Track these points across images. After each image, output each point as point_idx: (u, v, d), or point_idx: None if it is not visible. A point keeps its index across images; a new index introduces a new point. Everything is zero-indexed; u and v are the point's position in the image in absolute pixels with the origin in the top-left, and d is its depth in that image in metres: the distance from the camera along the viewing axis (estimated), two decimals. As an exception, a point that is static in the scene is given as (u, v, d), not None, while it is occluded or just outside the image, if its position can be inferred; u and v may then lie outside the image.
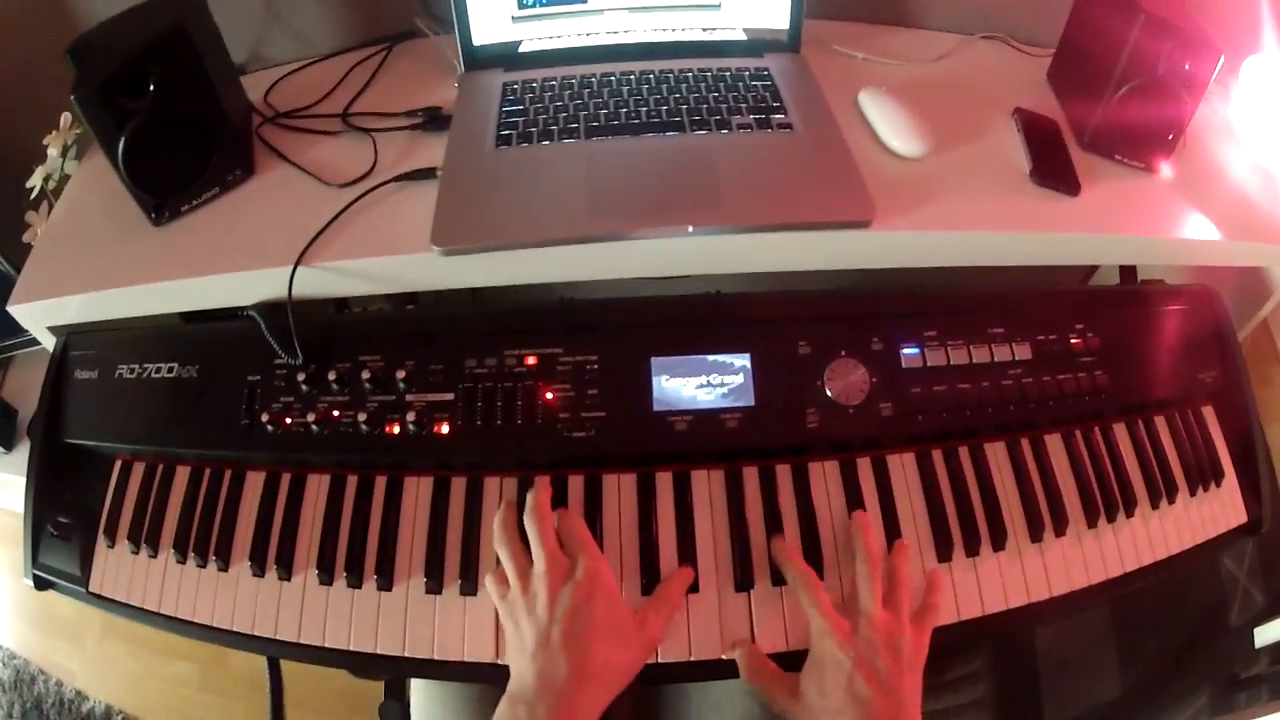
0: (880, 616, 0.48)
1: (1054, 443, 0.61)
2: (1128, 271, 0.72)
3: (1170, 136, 0.67)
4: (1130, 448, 0.63)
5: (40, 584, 0.64)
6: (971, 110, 0.67)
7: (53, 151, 0.77)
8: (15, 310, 0.66)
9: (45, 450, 0.65)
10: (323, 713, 1.06)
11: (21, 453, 0.99)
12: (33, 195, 0.78)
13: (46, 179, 0.78)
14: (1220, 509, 0.63)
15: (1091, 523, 0.59)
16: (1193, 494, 0.62)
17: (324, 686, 1.06)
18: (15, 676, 1.12)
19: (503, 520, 0.51)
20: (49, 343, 0.70)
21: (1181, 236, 0.64)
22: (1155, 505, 0.61)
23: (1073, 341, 0.62)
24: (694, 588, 0.52)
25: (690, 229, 0.54)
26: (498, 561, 0.51)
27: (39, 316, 0.67)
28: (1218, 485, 0.64)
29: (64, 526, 0.64)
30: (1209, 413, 0.66)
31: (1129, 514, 0.60)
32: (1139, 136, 0.66)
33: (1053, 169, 0.65)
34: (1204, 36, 0.63)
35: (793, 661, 0.50)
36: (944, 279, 0.65)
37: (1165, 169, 0.67)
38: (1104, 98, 0.65)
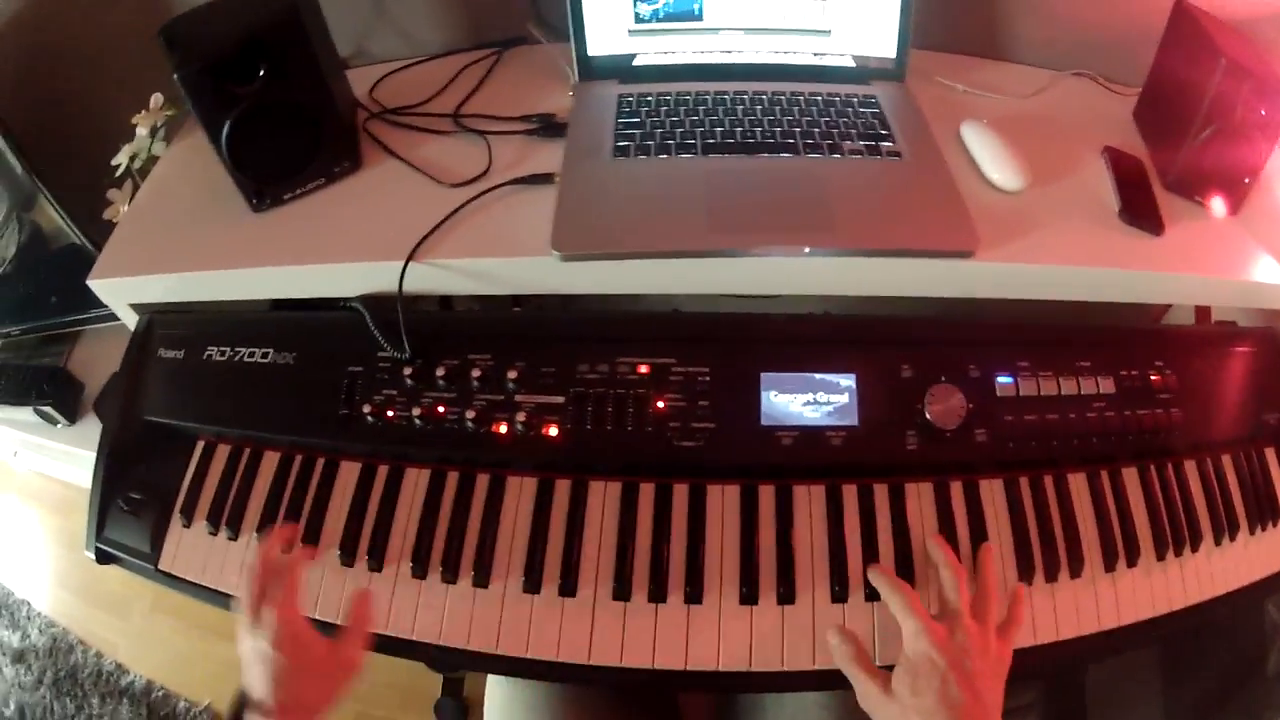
0: (970, 623, 0.49)
1: (1130, 476, 0.62)
2: (1202, 311, 0.73)
3: (1246, 180, 0.68)
4: (1199, 485, 0.64)
5: (104, 558, 0.63)
6: (1063, 146, 0.68)
7: (142, 131, 0.77)
8: (97, 285, 0.66)
9: (121, 425, 0.64)
10: (374, 704, 1.05)
11: (84, 426, 0.99)
12: (118, 173, 0.78)
13: (133, 158, 0.78)
14: (1276, 548, 0.64)
15: (1160, 555, 0.60)
16: (1252, 533, 0.64)
17: (375, 680, 1.05)
18: (52, 644, 1.10)
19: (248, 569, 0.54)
20: (129, 320, 0.69)
21: (1255, 279, 0.65)
22: (1218, 542, 0.62)
23: (1152, 378, 0.62)
24: (789, 599, 0.53)
25: (807, 249, 0.55)
26: None
27: (122, 293, 0.67)
28: (1274, 525, 0.65)
29: (135, 502, 0.64)
30: (1270, 454, 0.67)
31: (1195, 549, 0.61)
32: (1218, 179, 0.67)
33: (1140, 208, 0.66)
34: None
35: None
36: (1024, 310, 0.66)
37: (1237, 211, 0.68)
38: (1186, 140, 0.66)
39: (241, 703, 0.49)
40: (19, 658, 1.10)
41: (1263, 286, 0.66)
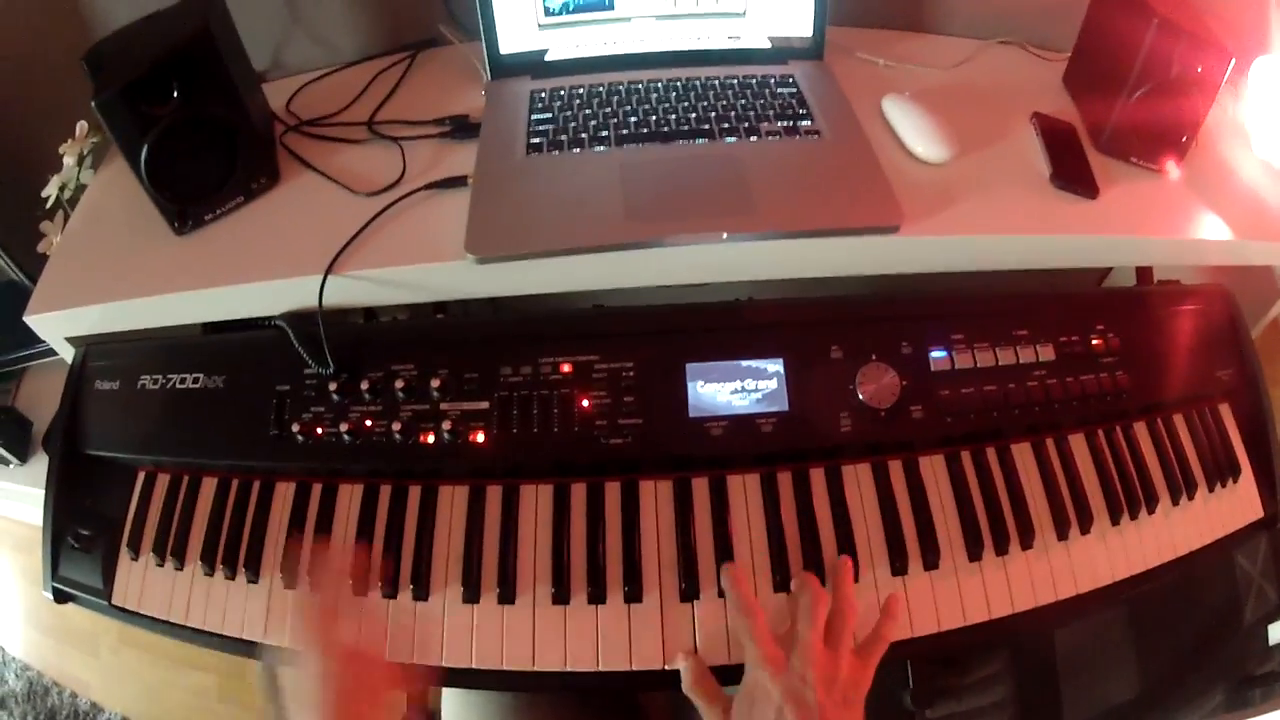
0: (816, 649, 0.46)
1: (1078, 442, 0.61)
2: (1144, 272, 0.72)
3: (1183, 138, 0.66)
4: (1151, 446, 0.63)
5: (60, 597, 0.62)
6: (991, 115, 0.67)
7: (69, 160, 0.76)
8: (32, 321, 0.64)
9: (65, 462, 0.63)
10: None
11: (36, 464, 0.97)
12: (48, 205, 0.76)
13: (62, 188, 0.76)
14: (1237, 505, 0.63)
15: (1115, 520, 0.58)
16: (1210, 490, 0.62)
17: None
18: (29, 688, 1.09)
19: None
20: (67, 354, 0.68)
21: (1195, 237, 0.64)
22: (1175, 502, 0.61)
23: (1094, 342, 0.61)
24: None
25: (725, 235, 0.53)
26: None
27: (57, 327, 0.65)
28: (1235, 482, 0.64)
29: (85, 539, 0.62)
30: (1225, 410, 0.66)
31: (1150, 510, 0.60)
32: (1153, 138, 0.66)
33: (1072, 172, 0.64)
34: (1215, 39, 0.62)
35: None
36: (959, 282, 0.65)
37: (1177, 170, 0.67)
38: (1119, 100, 0.65)
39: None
40: (0, 705, 1.08)
41: (1202, 243, 0.65)
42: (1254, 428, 0.65)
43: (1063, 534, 0.57)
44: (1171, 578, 0.59)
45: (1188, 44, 0.62)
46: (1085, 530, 0.57)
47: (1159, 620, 0.81)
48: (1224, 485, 0.63)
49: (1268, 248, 0.65)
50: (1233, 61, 0.62)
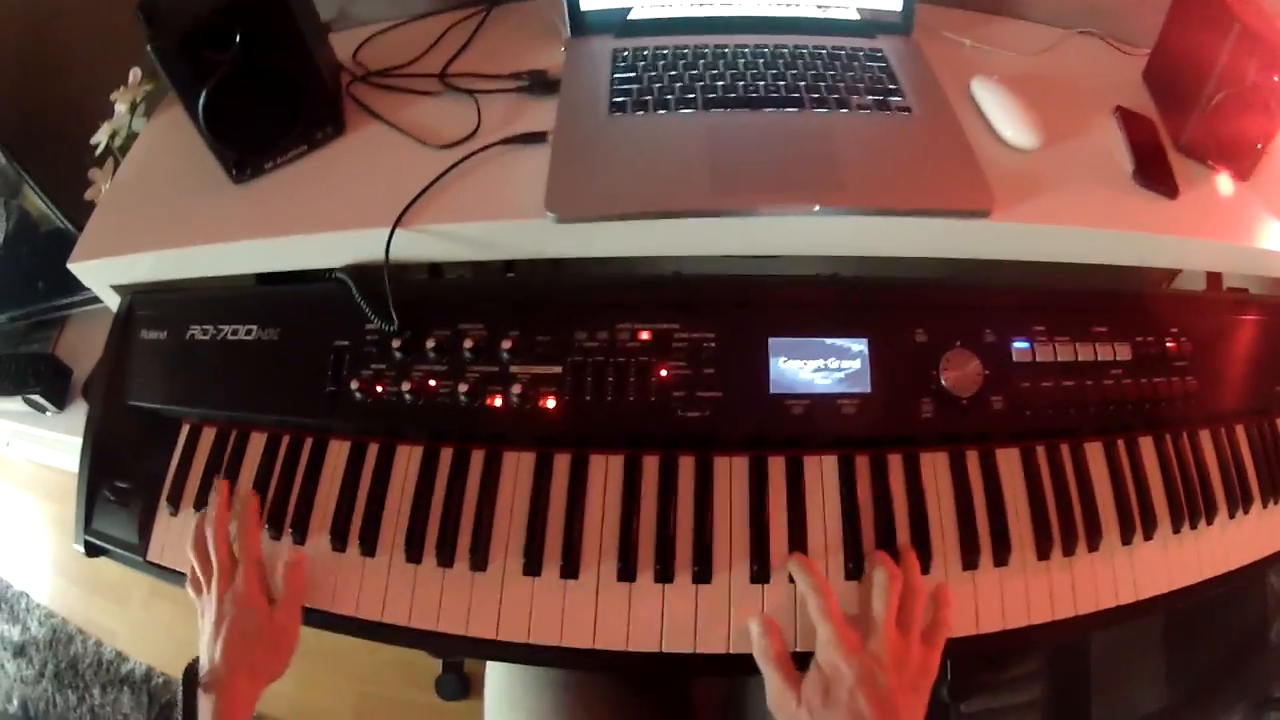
0: (891, 631, 0.45)
1: (1146, 446, 0.58)
2: (1213, 278, 0.69)
3: (1259, 145, 0.64)
4: (1214, 455, 0.60)
5: (92, 550, 0.59)
6: (1073, 105, 0.64)
7: (121, 107, 0.72)
8: (76, 268, 0.62)
9: (106, 411, 0.60)
10: (375, 683, 1.01)
11: (74, 412, 0.94)
12: (97, 152, 0.73)
13: (113, 136, 0.73)
14: None
15: (1177, 528, 0.56)
16: (1265, 506, 0.60)
17: (377, 659, 1.02)
18: (51, 635, 1.07)
19: (195, 529, 0.54)
20: (112, 302, 0.65)
21: (1268, 246, 0.61)
22: (1232, 515, 0.59)
23: (1168, 345, 0.59)
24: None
25: (816, 208, 0.50)
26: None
27: (103, 274, 0.62)
28: None
29: (122, 491, 0.60)
30: (1282, 425, 0.64)
31: (1209, 521, 0.57)
32: (1230, 144, 0.63)
33: (1154, 171, 0.62)
34: None
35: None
36: (1031, 273, 0.62)
37: (1251, 176, 0.64)
38: (1198, 104, 0.62)
39: (192, 674, 0.49)
40: (20, 652, 1.07)
41: (1275, 254, 0.62)
42: (1307, 445, 0.63)
43: (1127, 539, 0.55)
44: (1217, 591, 0.57)
45: (1266, 52, 0.59)
46: (1149, 536, 0.55)
47: (1192, 633, 0.79)
48: (1276, 501, 0.61)
49: (1338, 261, 0.63)
50: (1311, 73, 0.59)
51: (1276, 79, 0.60)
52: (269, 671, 0.50)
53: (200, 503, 0.56)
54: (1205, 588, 0.56)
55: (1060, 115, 0.62)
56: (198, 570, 0.52)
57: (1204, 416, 0.60)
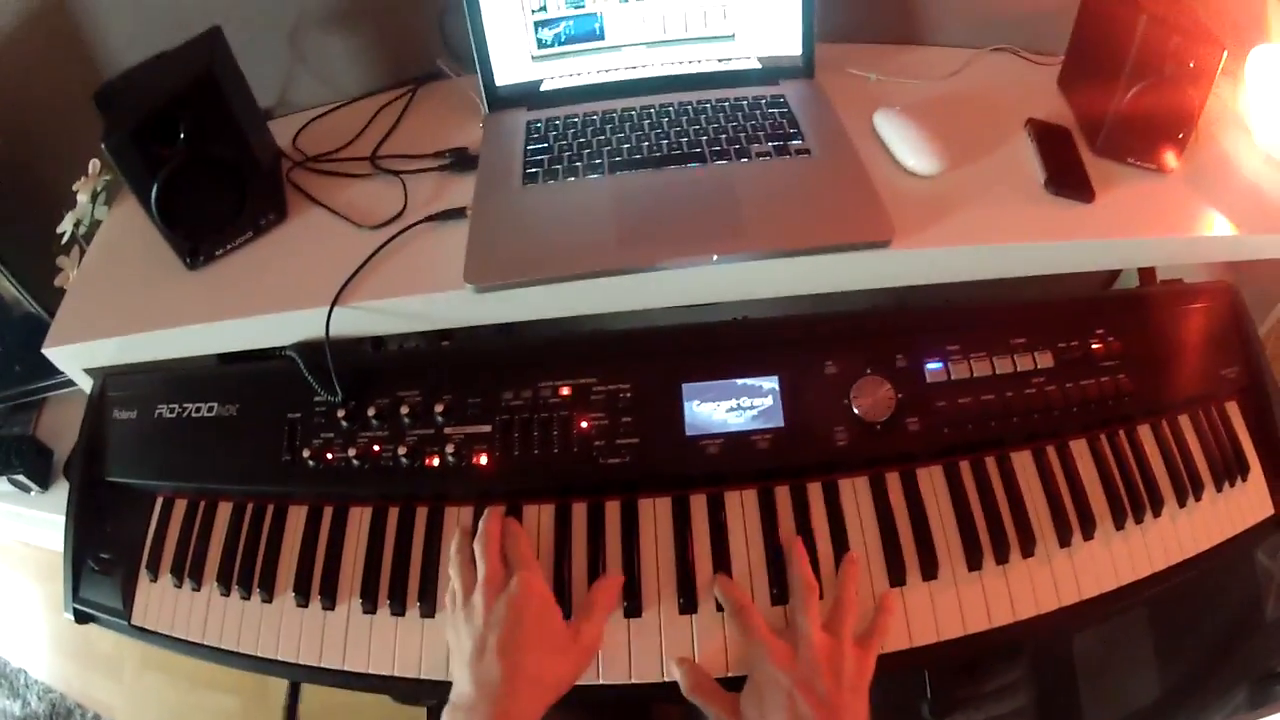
0: (819, 638, 0.49)
1: (1079, 448, 0.63)
2: (1147, 273, 0.74)
3: (1180, 134, 0.67)
4: (1155, 448, 0.64)
5: (81, 618, 0.66)
6: (985, 124, 0.69)
7: (83, 197, 0.81)
8: (51, 353, 0.69)
9: (85, 488, 0.68)
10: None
11: (57, 492, 1.01)
12: (63, 240, 0.82)
13: (77, 224, 0.81)
14: (1247, 503, 0.65)
15: (1119, 525, 0.60)
16: (1219, 490, 0.64)
17: (362, 712, 1.08)
18: (51, 710, 1.14)
19: (457, 545, 0.55)
20: (85, 384, 0.73)
21: (1197, 235, 0.65)
22: (1182, 504, 0.63)
23: (1094, 347, 0.63)
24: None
25: (715, 258, 0.57)
26: None
27: (75, 359, 0.70)
28: (1244, 480, 0.65)
29: (105, 562, 0.67)
30: (1233, 408, 0.68)
31: (1156, 514, 0.62)
32: (1150, 137, 0.67)
33: (1066, 177, 0.66)
34: (1206, 31, 0.63)
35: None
36: (965, 293, 0.67)
37: (1176, 167, 0.67)
38: (1113, 100, 0.66)
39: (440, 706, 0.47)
40: None
41: (1202, 240, 0.66)
42: (1263, 425, 0.66)
43: (1065, 540, 0.59)
44: (1184, 579, 0.61)
45: (1179, 38, 0.62)
46: (1088, 536, 0.59)
47: (1179, 621, 0.82)
48: (1232, 484, 0.64)
49: (1273, 240, 0.66)
50: (1225, 53, 0.62)
51: (1191, 64, 0.64)
52: (556, 677, 0.48)
53: (176, 569, 0.63)
54: (1165, 577, 0.60)
55: (970, 136, 0.67)
56: (456, 583, 0.52)
57: (1142, 411, 0.64)
